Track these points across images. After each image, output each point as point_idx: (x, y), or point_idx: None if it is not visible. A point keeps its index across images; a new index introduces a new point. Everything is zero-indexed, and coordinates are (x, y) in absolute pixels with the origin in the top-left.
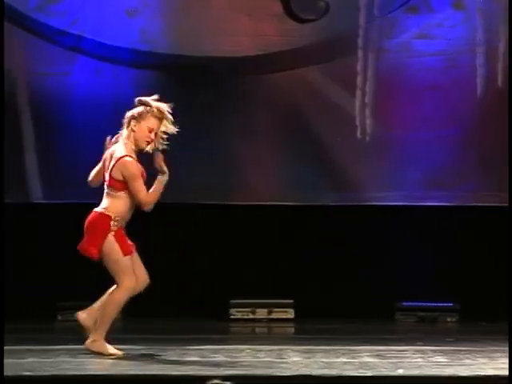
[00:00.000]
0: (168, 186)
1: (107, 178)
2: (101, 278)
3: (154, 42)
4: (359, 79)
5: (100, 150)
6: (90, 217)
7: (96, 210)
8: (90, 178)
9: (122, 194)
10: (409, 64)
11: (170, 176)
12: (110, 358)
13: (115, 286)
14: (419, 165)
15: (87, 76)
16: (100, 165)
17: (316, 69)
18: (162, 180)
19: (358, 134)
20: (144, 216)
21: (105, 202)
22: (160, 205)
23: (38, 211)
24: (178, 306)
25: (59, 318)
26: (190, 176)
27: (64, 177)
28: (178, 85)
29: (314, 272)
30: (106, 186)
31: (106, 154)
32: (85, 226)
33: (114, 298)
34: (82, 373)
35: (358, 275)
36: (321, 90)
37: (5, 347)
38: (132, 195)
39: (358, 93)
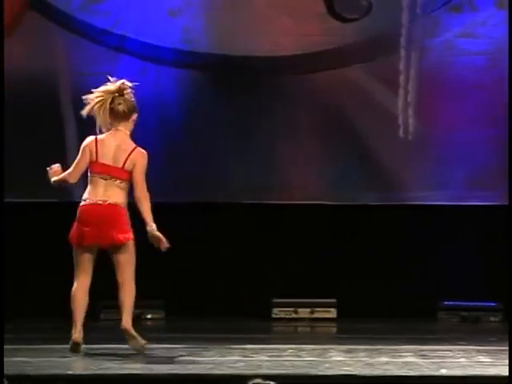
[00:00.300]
0: (212, 186)
1: (117, 170)
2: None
3: (195, 42)
4: (402, 78)
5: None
6: (109, 209)
7: (110, 202)
8: (73, 177)
9: (127, 185)
10: (452, 63)
11: (213, 175)
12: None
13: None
14: (462, 164)
15: (131, 76)
16: (78, 162)
17: (358, 68)
18: (149, 228)
19: (401, 133)
20: (189, 215)
21: (115, 196)
22: (203, 204)
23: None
24: (220, 305)
25: (102, 317)
26: (232, 176)
27: None
28: (220, 84)
29: (356, 271)
30: (111, 179)
31: (92, 148)
32: (103, 217)
33: (133, 289)
34: (125, 372)
35: (400, 274)
36: (363, 89)
37: (50, 346)
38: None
39: (401, 92)
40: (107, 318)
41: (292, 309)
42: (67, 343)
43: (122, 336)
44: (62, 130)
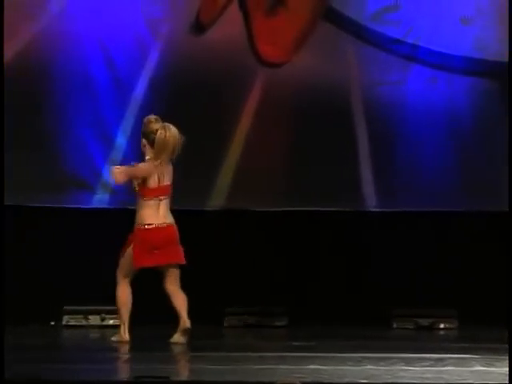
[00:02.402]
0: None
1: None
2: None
3: (488, 50)
4: None
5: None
6: (174, 230)
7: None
8: None
9: None
10: None
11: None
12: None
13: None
14: None
15: (421, 84)
16: None
17: None
18: None
19: None
20: (477, 224)
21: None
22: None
23: (370, 218)
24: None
25: (394, 325)
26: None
27: (399, 185)
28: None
29: None
30: (166, 199)
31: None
32: (173, 238)
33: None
34: (419, 382)
35: None
36: None
37: (342, 354)
38: None
39: None
40: (400, 326)
41: None
42: (361, 352)
43: (415, 346)
44: (352, 137)
